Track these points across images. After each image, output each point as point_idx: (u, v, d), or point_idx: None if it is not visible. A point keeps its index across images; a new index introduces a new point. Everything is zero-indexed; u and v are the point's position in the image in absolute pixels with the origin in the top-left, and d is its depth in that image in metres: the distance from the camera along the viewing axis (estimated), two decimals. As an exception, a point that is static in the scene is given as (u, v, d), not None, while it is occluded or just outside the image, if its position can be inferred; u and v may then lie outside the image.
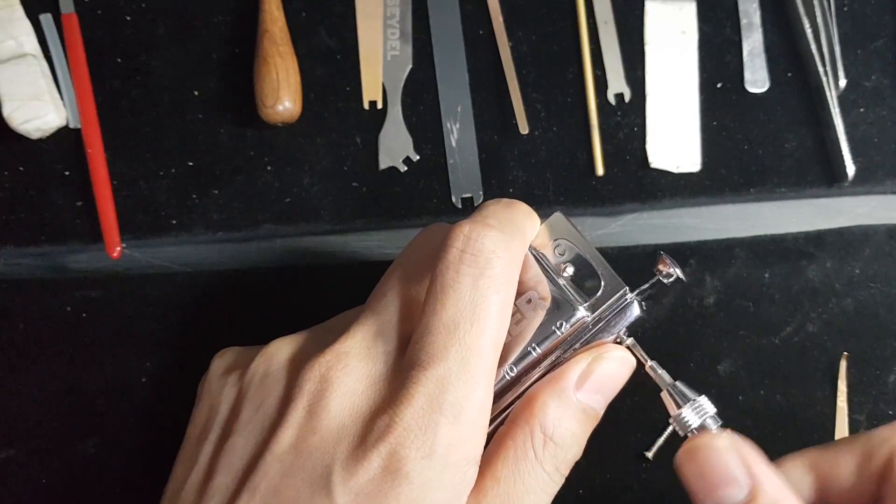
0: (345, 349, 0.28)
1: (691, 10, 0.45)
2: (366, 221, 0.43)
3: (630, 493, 0.38)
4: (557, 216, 0.32)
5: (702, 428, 0.29)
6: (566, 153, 0.43)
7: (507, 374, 0.30)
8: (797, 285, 0.41)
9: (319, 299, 0.41)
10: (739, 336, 0.40)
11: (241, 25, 0.44)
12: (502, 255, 0.28)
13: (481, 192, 0.42)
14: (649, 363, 0.30)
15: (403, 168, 0.43)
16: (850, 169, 0.42)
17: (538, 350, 0.30)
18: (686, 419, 0.29)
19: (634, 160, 0.43)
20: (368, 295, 0.42)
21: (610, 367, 0.30)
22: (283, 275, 0.42)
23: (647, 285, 0.32)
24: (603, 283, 0.31)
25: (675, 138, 0.43)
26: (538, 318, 0.30)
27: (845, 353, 0.40)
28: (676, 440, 0.39)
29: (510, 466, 0.28)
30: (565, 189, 0.43)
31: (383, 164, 0.43)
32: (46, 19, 0.44)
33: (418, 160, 0.43)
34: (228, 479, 0.28)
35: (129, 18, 0.45)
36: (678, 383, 0.30)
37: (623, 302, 0.31)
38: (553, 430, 0.28)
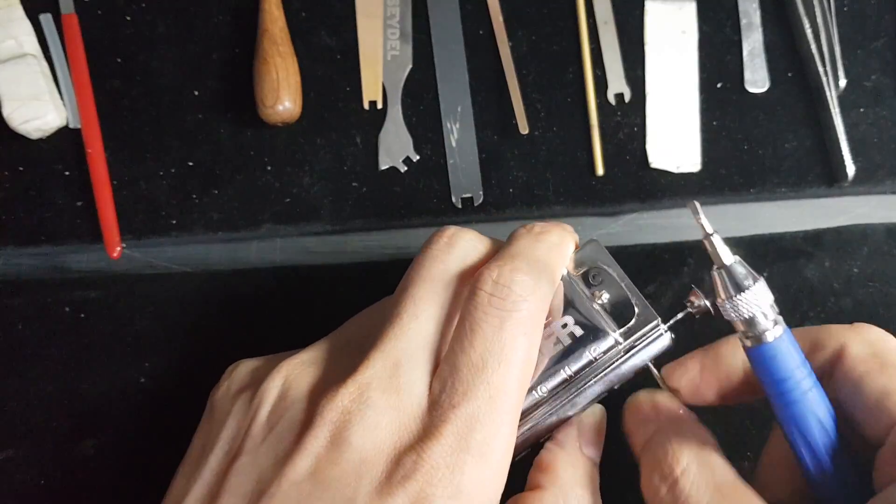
0: (366, 379, 0.28)
1: (691, 10, 0.45)
2: (366, 221, 0.43)
3: (630, 493, 0.38)
4: (594, 243, 0.33)
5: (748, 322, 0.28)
6: (566, 153, 0.43)
7: (539, 393, 0.31)
8: (796, 284, 0.41)
9: (319, 299, 0.41)
10: (739, 335, 0.40)
11: (241, 25, 0.44)
12: (529, 299, 0.28)
13: (481, 192, 0.42)
14: (710, 233, 0.29)
15: (403, 168, 0.43)
16: (850, 169, 0.42)
17: (571, 373, 0.31)
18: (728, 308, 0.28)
19: (634, 160, 0.43)
20: (368, 295, 0.42)
21: (594, 419, 0.32)
22: (283, 275, 0.42)
23: (678, 317, 0.32)
24: (636, 312, 0.31)
25: (675, 138, 0.43)
26: (572, 344, 0.31)
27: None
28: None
29: None
30: (565, 189, 0.43)
31: (383, 164, 0.43)
32: (46, 19, 0.44)
33: (418, 160, 0.43)
34: (237, 500, 0.27)
35: (129, 18, 0.45)
36: (737, 263, 0.28)
37: (655, 333, 0.31)
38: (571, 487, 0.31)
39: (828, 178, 0.43)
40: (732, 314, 0.28)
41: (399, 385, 0.28)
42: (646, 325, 0.31)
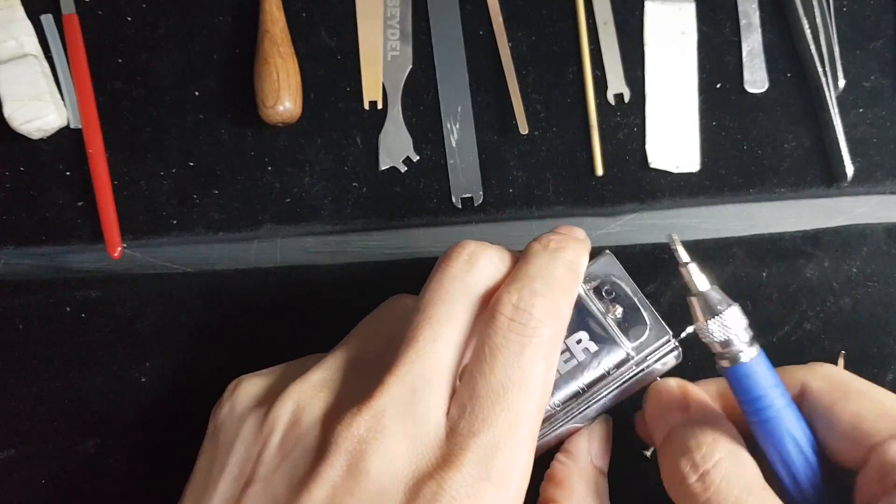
0: (381, 406, 0.27)
1: (691, 11, 0.45)
2: (366, 221, 0.43)
3: (629, 492, 0.38)
4: (607, 256, 0.33)
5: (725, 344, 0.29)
6: (566, 153, 0.43)
7: (553, 408, 0.31)
8: (795, 284, 0.41)
9: (319, 299, 0.41)
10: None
11: (241, 26, 0.45)
12: (549, 324, 0.28)
13: (481, 192, 0.43)
14: (686, 262, 0.30)
15: (403, 168, 0.43)
16: (850, 169, 0.42)
17: (583, 387, 0.31)
18: (710, 331, 0.29)
19: (634, 160, 0.43)
20: (368, 295, 0.42)
21: (601, 431, 0.33)
22: (284, 275, 0.42)
23: (688, 331, 0.33)
24: (648, 327, 0.32)
25: (674, 138, 0.43)
26: (586, 358, 0.31)
27: (843, 351, 0.40)
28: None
29: None
30: (565, 189, 0.43)
31: (383, 164, 0.43)
32: (47, 20, 0.44)
33: (418, 160, 0.43)
34: None
35: (129, 19, 0.45)
36: (712, 290, 0.30)
37: (666, 347, 0.32)
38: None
39: (827, 179, 0.43)
40: (709, 337, 0.29)
41: (416, 412, 0.27)
42: (658, 340, 0.31)
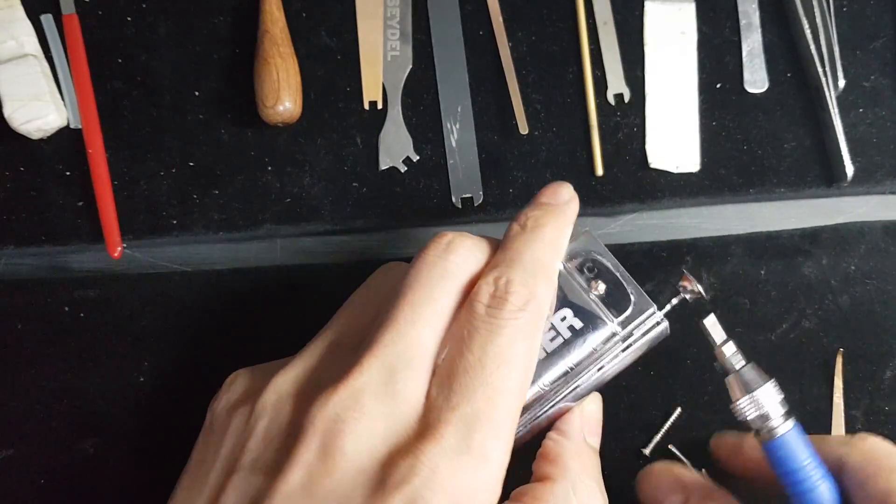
0: (359, 385, 0.27)
1: (691, 11, 0.45)
2: (366, 221, 0.43)
3: (628, 490, 0.38)
4: (586, 234, 0.33)
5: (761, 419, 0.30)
6: (566, 153, 0.43)
7: (540, 386, 0.31)
8: (793, 282, 0.41)
9: (319, 299, 0.41)
10: (736, 333, 0.40)
11: (241, 26, 0.45)
12: (528, 307, 0.28)
13: (481, 192, 0.43)
14: (721, 342, 0.32)
15: (403, 168, 0.43)
16: (850, 169, 0.42)
17: (571, 366, 0.31)
18: (743, 408, 0.31)
19: (634, 160, 0.43)
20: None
21: (593, 411, 0.33)
22: (283, 275, 0.42)
23: (672, 304, 0.33)
24: (632, 301, 0.32)
25: (674, 138, 0.43)
26: (572, 336, 0.31)
27: (841, 349, 0.40)
28: (672, 437, 0.39)
29: None
30: (565, 189, 0.43)
31: (383, 164, 0.43)
32: (47, 20, 0.44)
33: (418, 160, 0.43)
34: None
35: (129, 19, 0.45)
36: (748, 367, 0.31)
37: (652, 320, 0.32)
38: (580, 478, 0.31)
39: (827, 179, 0.43)
40: (745, 413, 0.31)
41: (395, 391, 0.27)
42: (642, 314, 0.31)
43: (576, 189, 0.43)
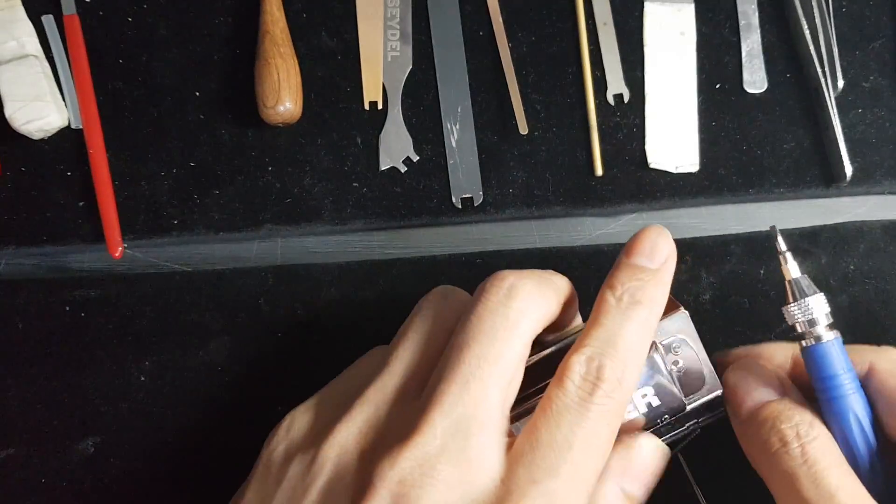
0: (430, 447, 0.26)
1: (690, 12, 0.45)
2: (366, 221, 0.43)
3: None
4: (682, 315, 0.32)
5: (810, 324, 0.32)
6: (566, 153, 0.43)
7: None
8: (794, 283, 0.41)
9: (320, 299, 0.41)
10: (735, 332, 0.40)
11: (241, 26, 0.45)
12: (616, 394, 0.28)
13: (481, 192, 0.43)
14: (783, 251, 0.33)
15: (403, 168, 0.43)
16: (849, 169, 0.42)
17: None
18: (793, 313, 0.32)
19: (633, 160, 0.43)
20: (369, 295, 0.42)
21: (646, 456, 0.31)
22: (283, 275, 0.42)
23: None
24: (705, 384, 0.32)
25: (673, 139, 0.43)
26: (648, 412, 0.31)
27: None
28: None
29: None
30: (565, 189, 0.43)
31: (383, 164, 0.43)
32: (48, 20, 0.44)
33: (418, 160, 0.43)
34: None
35: (130, 20, 0.45)
36: (802, 277, 0.32)
37: (717, 405, 0.33)
38: None
39: (826, 179, 0.43)
40: (795, 317, 0.32)
41: (468, 456, 0.26)
42: (710, 395, 0.32)
43: (575, 189, 0.43)
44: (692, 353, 0.32)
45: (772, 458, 0.30)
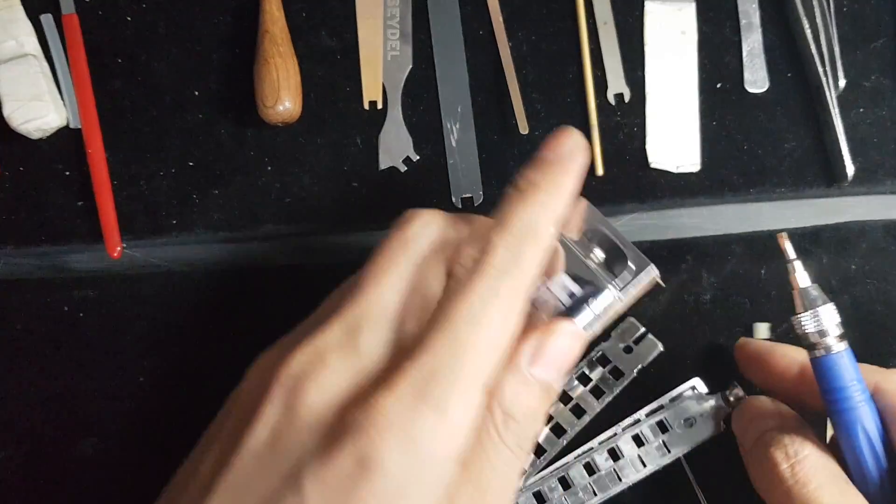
0: (322, 342, 0.28)
1: (691, 11, 0.45)
2: (366, 221, 0.43)
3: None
4: (585, 205, 0.33)
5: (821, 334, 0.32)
6: (566, 153, 0.43)
7: None
8: (794, 282, 0.41)
9: (319, 299, 0.41)
10: (735, 332, 0.40)
11: (241, 26, 0.45)
12: (510, 270, 0.28)
13: (481, 192, 0.43)
14: (792, 259, 0.33)
15: (403, 168, 0.43)
16: (850, 169, 0.42)
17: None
18: (803, 323, 0.32)
19: (634, 160, 0.43)
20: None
21: (562, 343, 0.30)
22: (283, 275, 0.42)
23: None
24: (629, 263, 0.32)
25: (674, 138, 0.43)
26: (573, 303, 0.31)
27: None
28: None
29: (475, 448, 0.27)
30: (565, 189, 0.43)
31: (383, 164, 0.43)
32: (47, 20, 0.44)
33: (418, 160, 0.43)
34: (206, 475, 0.28)
35: (129, 19, 0.45)
36: (812, 287, 0.33)
37: (648, 279, 0.32)
38: (511, 407, 0.28)
39: (827, 179, 0.43)
40: (804, 327, 0.32)
41: (356, 345, 0.27)
42: (639, 273, 0.32)
43: (576, 189, 0.43)
44: (607, 238, 0.32)
45: (769, 483, 0.31)
